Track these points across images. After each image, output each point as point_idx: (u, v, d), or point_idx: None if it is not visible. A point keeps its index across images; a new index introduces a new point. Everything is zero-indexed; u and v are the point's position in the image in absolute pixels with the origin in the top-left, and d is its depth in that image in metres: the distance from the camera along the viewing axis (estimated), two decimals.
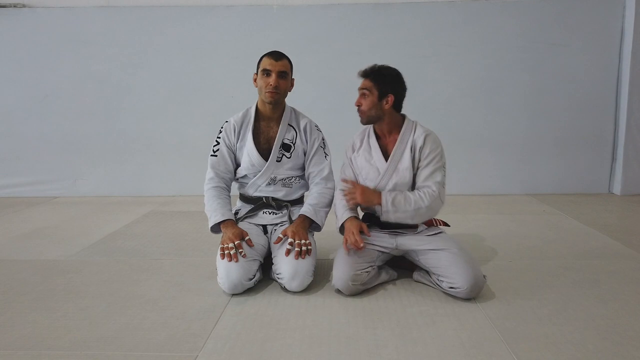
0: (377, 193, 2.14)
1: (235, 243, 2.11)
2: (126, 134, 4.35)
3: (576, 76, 4.16)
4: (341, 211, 2.26)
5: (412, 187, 2.19)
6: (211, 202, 2.28)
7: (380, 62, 2.21)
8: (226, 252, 2.10)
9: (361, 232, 2.14)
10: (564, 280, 2.28)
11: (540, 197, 4.15)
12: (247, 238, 2.17)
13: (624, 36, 4.08)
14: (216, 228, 2.26)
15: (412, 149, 2.16)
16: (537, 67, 4.15)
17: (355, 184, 2.20)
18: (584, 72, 4.15)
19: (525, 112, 4.23)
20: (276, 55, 2.24)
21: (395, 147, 2.17)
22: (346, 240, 2.15)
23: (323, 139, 2.39)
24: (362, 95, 2.17)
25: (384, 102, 2.15)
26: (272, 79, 2.19)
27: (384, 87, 2.14)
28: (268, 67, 2.21)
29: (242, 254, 2.10)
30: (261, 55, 2.27)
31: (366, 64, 2.20)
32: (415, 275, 2.26)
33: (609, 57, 4.13)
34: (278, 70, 2.20)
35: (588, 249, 2.76)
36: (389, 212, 2.10)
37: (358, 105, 2.19)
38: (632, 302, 2.04)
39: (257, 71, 2.27)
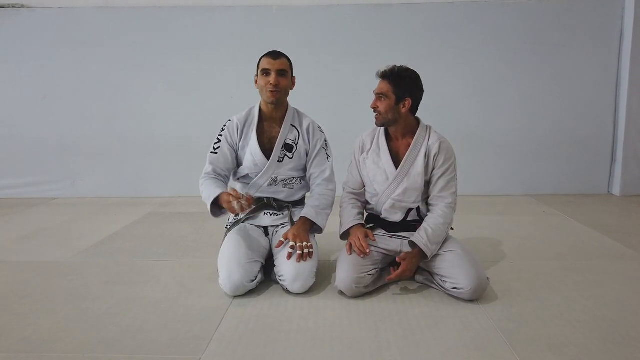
0: (415, 254, 2.09)
1: (237, 194, 2.03)
2: (125, 134, 4.33)
3: (575, 77, 4.17)
4: (347, 218, 2.25)
5: (423, 192, 2.18)
6: (207, 186, 2.23)
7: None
8: (235, 202, 2.00)
9: (366, 237, 2.14)
10: (565, 282, 2.28)
11: (540, 198, 4.16)
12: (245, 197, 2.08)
13: (623, 37, 4.10)
14: (215, 211, 2.20)
15: (427, 155, 2.15)
16: (536, 67, 4.16)
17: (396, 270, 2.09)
18: (583, 73, 4.16)
19: (525, 112, 4.24)
20: (274, 55, 2.23)
21: (408, 152, 2.16)
22: (350, 245, 2.15)
23: (325, 140, 2.38)
24: (379, 98, 2.14)
25: (401, 106, 2.13)
26: (272, 78, 2.19)
27: (402, 90, 2.11)
28: (267, 67, 2.20)
29: (246, 199, 2.02)
30: (260, 56, 2.27)
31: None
32: (418, 276, 2.25)
33: (608, 58, 4.14)
34: (277, 69, 2.20)
35: (588, 250, 2.77)
36: (433, 251, 2.09)
37: (374, 108, 2.16)
38: (633, 303, 2.05)
39: (257, 72, 2.26)
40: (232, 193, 2.04)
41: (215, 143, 2.34)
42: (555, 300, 2.07)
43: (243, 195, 2.06)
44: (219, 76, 4.23)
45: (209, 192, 2.21)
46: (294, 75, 2.31)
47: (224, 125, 2.35)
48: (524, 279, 2.31)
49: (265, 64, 2.21)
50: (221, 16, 4.17)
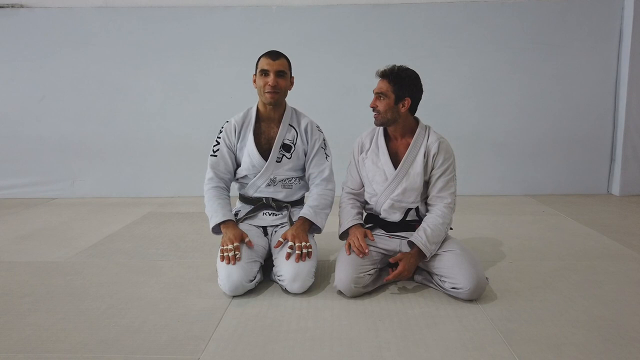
0: (414, 254, 2.09)
1: (234, 245, 2.11)
2: (124, 134, 4.33)
3: (575, 77, 4.17)
4: (346, 218, 2.25)
5: (422, 192, 2.18)
6: (211, 202, 2.27)
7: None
8: (225, 254, 2.10)
9: (365, 237, 2.14)
10: (564, 281, 2.28)
11: (539, 198, 4.15)
12: (247, 239, 2.17)
13: (622, 37, 4.10)
14: (217, 229, 2.26)
15: (425, 155, 2.15)
16: (536, 68, 4.16)
17: (395, 269, 2.09)
18: (583, 73, 4.16)
19: (525, 113, 4.24)
20: (273, 55, 2.22)
21: (407, 152, 2.16)
22: (349, 245, 2.15)
23: (324, 140, 2.38)
24: (378, 97, 2.14)
25: (401, 106, 2.12)
26: (271, 79, 2.18)
27: (402, 90, 2.11)
28: (266, 67, 2.19)
29: (238, 256, 2.09)
30: (259, 56, 2.26)
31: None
32: (417, 276, 2.25)
33: (607, 58, 4.14)
34: (276, 70, 2.19)
35: (588, 250, 2.77)
36: (432, 251, 2.09)
37: (373, 107, 2.16)
38: (633, 303, 2.05)
39: (256, 72, 2.26)
40: (232, 239, 2.12)
41: (214, 146, 2.34)
42: (555, 300, 2.07)
43: (241, 244, 2.13)
44: (218, 76, 4.23)
45: (213, 211, 2.24)
46: (292, 75, 2.31)
47: (222, 127, 2.35)
48: (523, 278, 2.31)
49: (264, 64, 2.20)
50: (221, 16, 4.17)
